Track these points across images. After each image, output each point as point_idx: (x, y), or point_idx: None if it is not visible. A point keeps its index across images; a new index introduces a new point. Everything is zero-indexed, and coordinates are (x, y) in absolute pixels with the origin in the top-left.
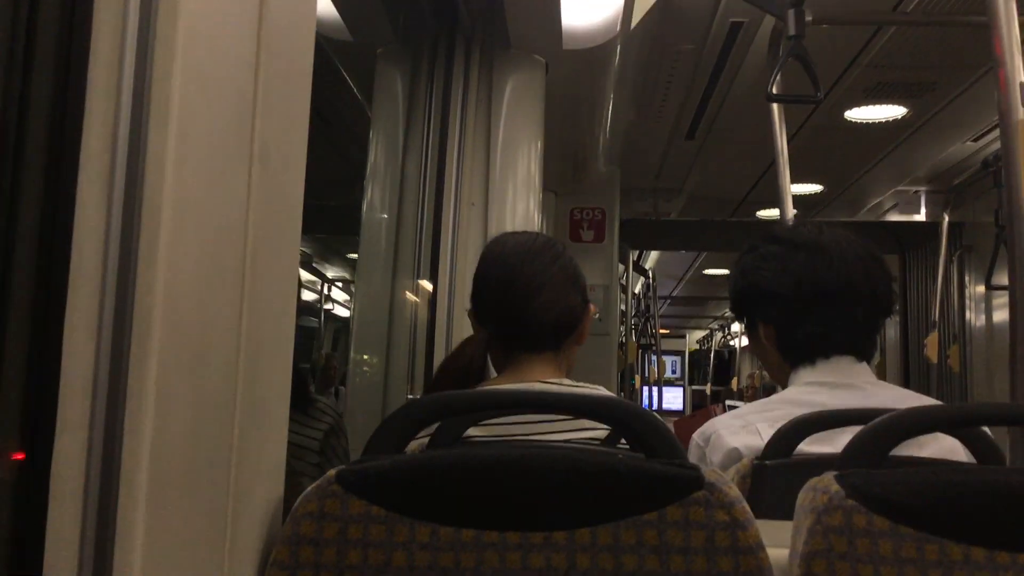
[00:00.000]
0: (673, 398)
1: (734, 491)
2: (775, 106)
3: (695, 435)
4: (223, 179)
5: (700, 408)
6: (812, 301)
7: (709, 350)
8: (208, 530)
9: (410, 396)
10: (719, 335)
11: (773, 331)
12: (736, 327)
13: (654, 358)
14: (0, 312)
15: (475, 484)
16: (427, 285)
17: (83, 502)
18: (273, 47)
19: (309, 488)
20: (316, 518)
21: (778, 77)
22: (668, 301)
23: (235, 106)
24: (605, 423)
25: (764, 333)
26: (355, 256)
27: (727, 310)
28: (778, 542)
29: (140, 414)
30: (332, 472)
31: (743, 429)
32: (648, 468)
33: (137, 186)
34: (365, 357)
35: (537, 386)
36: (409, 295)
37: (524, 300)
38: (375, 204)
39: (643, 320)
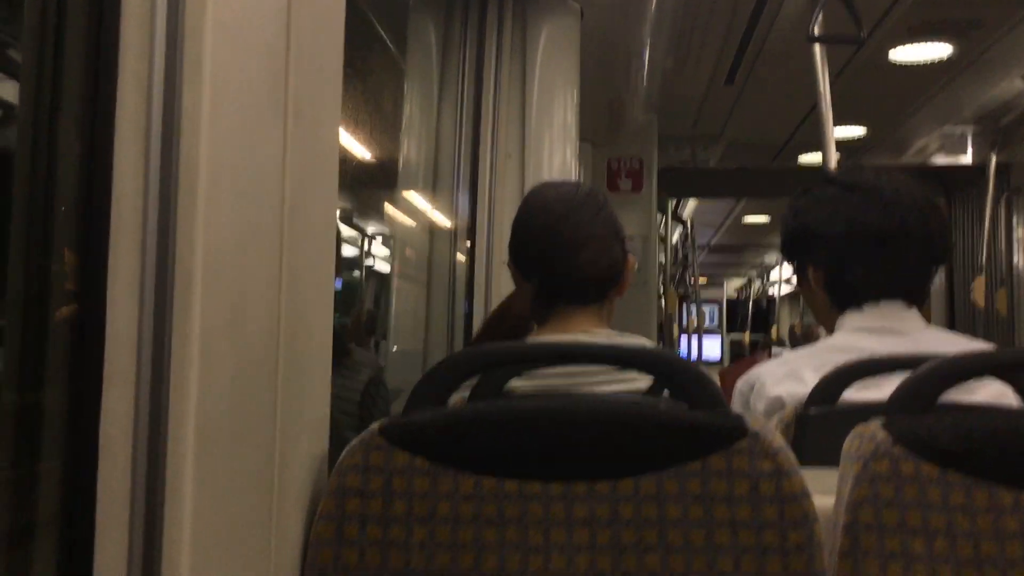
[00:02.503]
0: (711, 347)
1: (778, 439)
2: (816, 48)
3: (739, 382)
4: (258, 135)
5: (739, 357)
6: (863, 243)
7: (747, 299)
8: (255, 483)
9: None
10: (757, 283)
11: (823, 274)
12: (775, 275)
13: (693, 307)
14: (45, 273)
15: (517, 436)
16: (464, 236)
17: (132, 457)
18: (305, 0)
19: (354, 441)
20: (361, 470)
21: (819, 17)
22: (706, 250)
23: (268, 61)
24: (648, 374)
25: (814, 277)
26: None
27: (766, 257)
28: (823, 490)
29: (184, 370)
30: (376, 425)
31: (788, 376)
32: (691, 418)
33: (173, 144)
34: (405, 310)
35: (581, 337)
36: (447, 248)
37: (570, 254)
38: (411, 157)
39: (681, 269)
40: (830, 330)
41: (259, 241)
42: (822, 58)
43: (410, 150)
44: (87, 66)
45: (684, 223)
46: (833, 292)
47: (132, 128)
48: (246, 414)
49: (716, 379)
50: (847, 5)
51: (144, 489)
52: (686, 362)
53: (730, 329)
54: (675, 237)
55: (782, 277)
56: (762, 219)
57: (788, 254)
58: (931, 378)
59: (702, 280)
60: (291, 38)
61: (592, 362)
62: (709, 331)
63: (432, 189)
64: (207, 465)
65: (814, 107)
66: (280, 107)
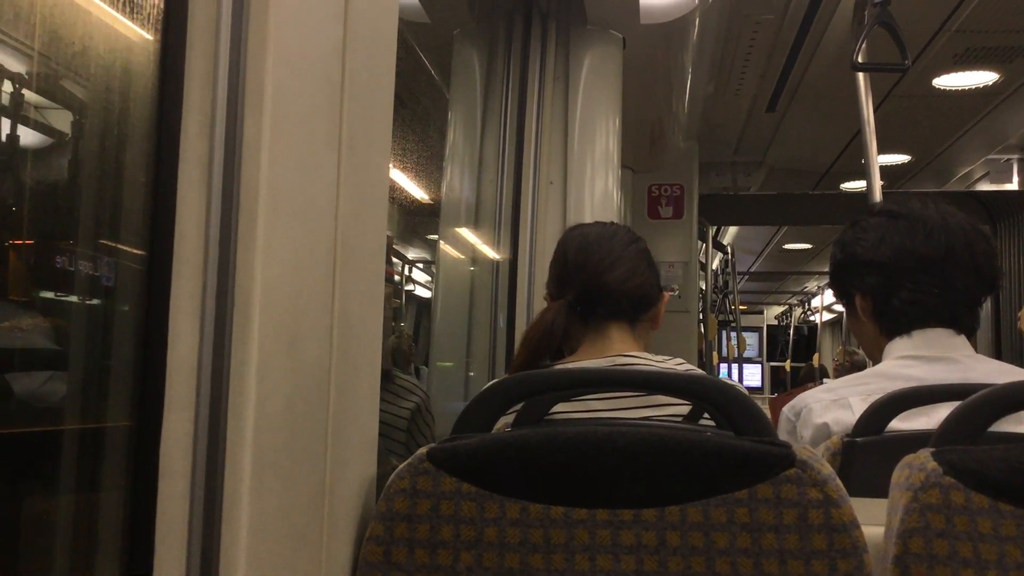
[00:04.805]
0: (751, 375)
1: (827, 468)
2: (861, 75)
3: (785, 409)
4: (314, 164)
5: (780, 384)
6: (910, 269)
7: (788, 326)
8: (308, 505)
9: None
10: (798, 311)
11: (870, 303)
12: (816, 302)
13: (733, 334)
14: (111, 298)
15: (564, 462)
16: (506, 264)
17: (191, 478)
18: (359, 34)
19: (401, 466)
20: (409, 495)
21: (863, 45)
22: (746, 276)
23: (324, 92)
24: (697, 401)
25: (861, 306)
26: (435, 237)
27: (807, 284)
28: (871, 520)
29: (242, 394)
30: (423, 450)
31: (834, 403)
32: (738, 446)
33: (234, 173)
34: (447, 336)
35: (619, 360)
36: (489, 275)
37: (604, 269)
38: (454, 184)
39: (721, 296)
40: (877, 361)
41: (313, 269)
42: (866, 86)
43: (453, 176)
44: (152, 97)
45: (724, 250)
46: (881, 320)
47: (195, 157)
48: (299, 438)
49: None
50: (892, 33)
51: (202, 511)
52: (735, 389)
53: (770, 357)
54: (715, 264)
55: (823, 304)
56: (803, 246)
57: (836, 285)
58: (982, 408)
59: (742, 307)
60: (346, 71)
61: (641, 389)
62: (749, 359)
63: (475, 215)
64: (263, 488)
65: (857, 134)
66: (335, 138)
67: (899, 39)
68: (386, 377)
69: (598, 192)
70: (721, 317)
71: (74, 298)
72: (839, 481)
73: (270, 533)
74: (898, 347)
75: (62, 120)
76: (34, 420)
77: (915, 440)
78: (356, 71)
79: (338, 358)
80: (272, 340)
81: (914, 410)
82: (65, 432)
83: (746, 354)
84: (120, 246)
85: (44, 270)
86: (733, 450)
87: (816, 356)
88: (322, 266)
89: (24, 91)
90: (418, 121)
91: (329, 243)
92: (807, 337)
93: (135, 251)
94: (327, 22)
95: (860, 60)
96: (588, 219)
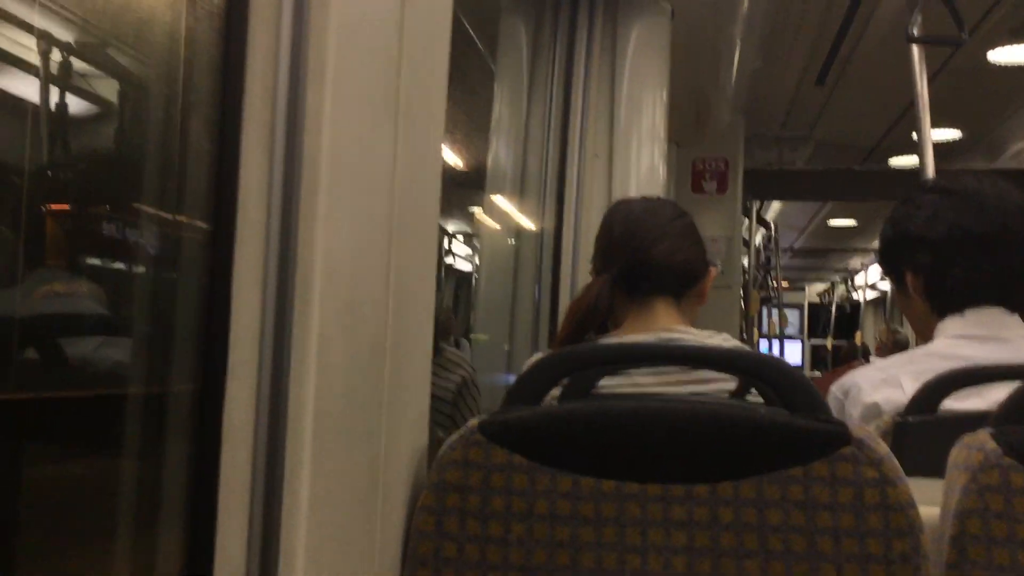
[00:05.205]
0: (791, 352)
1: (883, 447)
2: (915, 49)
3: (833, 387)
4: (373, 135)
5: (821, 362)
6: (963, 246)
7: (830, 304)
8: (364, 472)
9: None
10: (841, 288)
11: (921, 281)
12: (860, 279)
13: (774, 311)
14: (174, 267)
15: (615, 436)
16: (551, 236)
17: (253, 442)
18: (416, 3)
19: (453, 436)
20: (461, 466)
21: (918, 18)
22: (789, 253)
23: (383, 63)
24: (749, 378)
25: (912, 283)
26: (474, 209)
27: (850, 262)
28: (925, 500)
29: (304, 361)
30: (474, 421)
31: (884, 382)
32: (792, 423)
33: (297, 143)
34: (489, 309)
35: (664, 335)
36: (533, 248)
37: (649, 243)
38: (499, 156)
39: (763, 272)
40: (927, 339)
41: (371, 238)
42: (920, 59)
43: (499, 148)
44: (216, 68)
45: (768, 225)
46: (933, 298)
47: (257, 128)
48: (357, 407)
49: None
50: (948, 5)
51: (263, 474)
52: (789, 367)
53: (812, 334)
54: (758, 239)
55: (867, 282)
56: (849, 222)
57: (886, 261)
58: None
59: (784, 284)
60: (403, 41)
61: (692, 364)
62: (790, 336)
63: (520, 188)
64: (323, 453)
65: (907, 109)
66: (393, 108)
67: (955, 11)
68: (434, 350)
69: (644, 165)
70: (763, 293)
71: (140, 268)
72: (895, 460)
73: (330, 499)
74: (950, 326)
75: (127, 90)
76: (110, 383)
77: (969, 420)
78: (413, 42)
79: (393, 327)
80: (332, 310)
81: (965, 390)
82: (137, 396)
83: (786, 331)
84: (184, 215)
85: (109, 240)
86: (788, 427)
87: (859, 334)
88: (379, 235)
89: (91, 63)
90: (461, 92)
91: (386, 213)
92: (849, 315)
93: (198, 220)
94: None
95: (915, 33)
96: (633, 193)
